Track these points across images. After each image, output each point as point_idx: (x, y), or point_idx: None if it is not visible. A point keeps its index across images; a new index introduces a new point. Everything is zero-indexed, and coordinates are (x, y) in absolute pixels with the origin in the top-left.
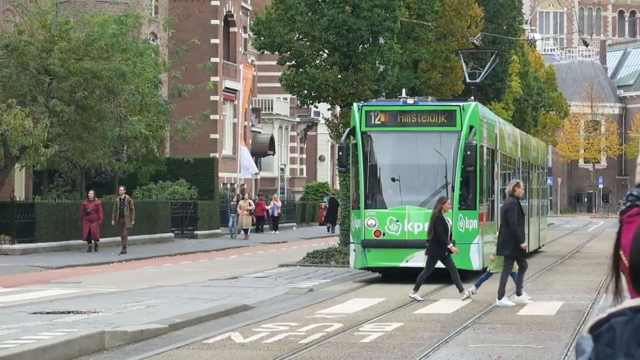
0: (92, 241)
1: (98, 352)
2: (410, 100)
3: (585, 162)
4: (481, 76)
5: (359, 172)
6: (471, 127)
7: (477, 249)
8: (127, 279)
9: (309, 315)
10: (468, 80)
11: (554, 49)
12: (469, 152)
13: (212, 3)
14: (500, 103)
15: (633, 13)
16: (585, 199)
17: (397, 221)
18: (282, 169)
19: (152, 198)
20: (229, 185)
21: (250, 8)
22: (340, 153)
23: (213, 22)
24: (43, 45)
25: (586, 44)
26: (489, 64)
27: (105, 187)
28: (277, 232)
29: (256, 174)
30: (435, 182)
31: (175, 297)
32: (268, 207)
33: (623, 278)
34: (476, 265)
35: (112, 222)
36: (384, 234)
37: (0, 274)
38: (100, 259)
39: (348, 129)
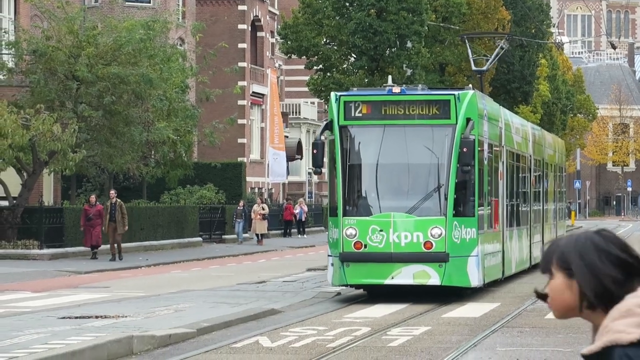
0: (96, 248)
1: (126, 356)
2: (396, 89)
3: (613, 165)
4: (488, 63)
5: (336, 173)
6: (468, 120)
7: (476, 262)
8: (155, 284)
9: (336, 319)
10: (474, 67)
11: (581, 52)
12: (465, 149)
13: (240, 8)
14: (528, 106)
15: None
16: (614, 202)
17: (380, 231)
18: (309, 173)
19: (180, 203)
20: (256, 190)
21: (277, 12)
22: (315, 151)
23: (240, 26)
24: (71, 50)
25: (614, 47)
26: (497, 50)
27: (133, 192)
28: (305, 236)
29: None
30: (426, 184)
31: (203, 302)
32: (296, 212)
33: None
34: (475, 281)
35: (103, 227)
36: (365, 246)
37: (29, 279)
38: (128, 264)
39: (324, 123)
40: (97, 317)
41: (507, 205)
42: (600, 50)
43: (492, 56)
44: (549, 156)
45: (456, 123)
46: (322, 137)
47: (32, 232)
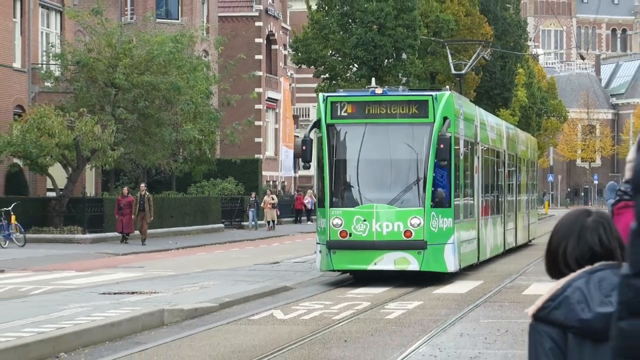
0: (127, 234)
1: (158, 327)
2: (378, 90)
3: (582, 161)
4: (467, 67)
5: (324, 167)
6: (445, 119)
7: (453, 249)
8: (183, 264)
9: (340, 295)
10: (453, 71)
11: (554, 63)
12: (442, 146)
13: (256, 24)
14: (508, 110)
15: (624, 30)
16: (582, 194)
17: (364, 220)
18: None
19: (205, 194)
20: (271, 182)
21: (289, 28)
22: (304, 147)
23: (257, 40)
24: (109, 61)
25: (583, 58)
26: (474, 56)
27: (164, 185)
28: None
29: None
30: (406, 178)
31: (224, 280)
32: (305, 202)
33: None
34: (451, 267)
35: (132, 216)
36: (350, 235)
37: (73, 260)
38: (160, 247)
39: (312, 121)
40: (132, 293)
41: (482, 196)
42: (571, 61)
43: (470, 61)
44: (522, 152)
45: (434, 121)
46: (311, 135)
47: (76, 220)
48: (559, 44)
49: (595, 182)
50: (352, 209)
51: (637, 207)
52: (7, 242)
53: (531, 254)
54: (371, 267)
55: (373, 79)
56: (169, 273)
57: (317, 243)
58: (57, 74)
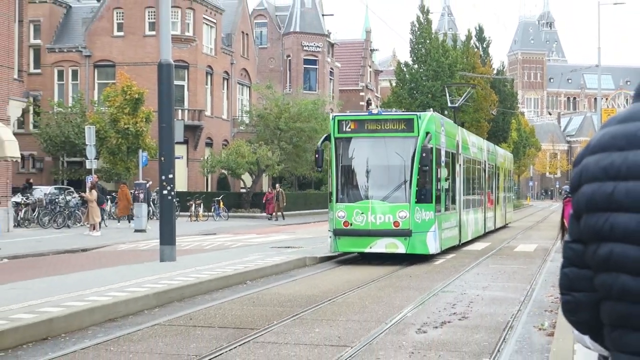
0: (272, 215)
1: (302, 267)
2: (375, 111)
3: (549, 174)
4: (459, 102)
5: (331, 172)
6: (427, 133)
7: (434, 236)
8: (316, 231)
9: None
10: (449, 104)
11: (533, 117)
12: (424, 154)
13: (360, 94)
14: (506, 143)
15: (574, 98)
16: (549, 193)
17: (362, 213)
18: None
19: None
20: None
21: (379, 96)
22: (317, 156)
23: (361, 103)
24: (276, 115)
25: (550, 114)
26: (465, 94)
27: (307, 185)
28: None
29: None
30: (395, 180)
31: None
32: None
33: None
34: (432, 249)
35: (273, 204)
36: (351, 224)
37: (255, 228)
38: (302, 221)
39: (324, 136)
40: (287, 247)
41: (464, 193)
42: (543, 116)
43: (462, 97)
44: (500, 163)
45: (418, 135)
46: (322, 147)
47: (256, 205)
48: (536, 106)
49: (557, 186)
50: (352, 204)
51: (573, 200)
52: (218, 217)
53: (509, 231)
54: (367, 250)
55: (372, 103)
56: (308, 236)
57: (328, 230)
58: (246, 121)
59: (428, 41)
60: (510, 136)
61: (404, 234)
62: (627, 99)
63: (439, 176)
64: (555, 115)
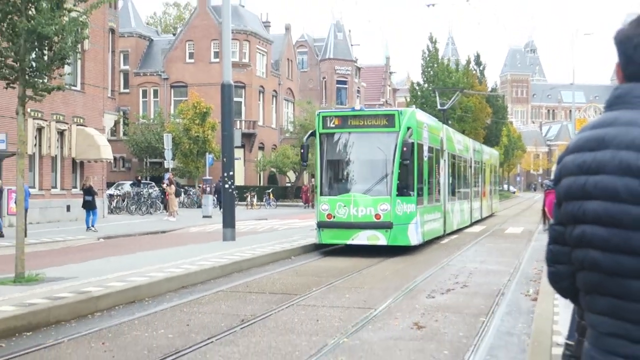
0: (307, 204)
1: (335, 245)
2: (357, 107)
3: (533, 171)
4: (448, 105)
5: (316, 166)
6: (408, 128)
7: (415, 227)
8: None
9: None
10: (439, 107)
11: (520, 125)
12: (405, 149)
13: (382, 108)
14: (498, 146)
15: (553, 110)
16: (533, 186)
17: (344, 206)
18: None
19: None
20: None
21: None
22: (302, 151)
23: None
24: (312, 123)
25: (534, 122)
26: (453, 97)
27: None
28: None
29: None
30: (377, 173)
31: None
32: None
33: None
34: (414, 241)
35: (308, 195)
36: (334, 217)
37: (297, 214)
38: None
39: (310, 132)
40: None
41: (449, 186)
42: (528, 125)
43: (451, 101)
44: (486, 160)
45: (399, 130)
46: (307, 142)
47: (299, 196)
48: (522, 117)
49: (539, 180)
50: (336, 197)
51: (556, 191)
52: (268, 206)
53: (496, 219)
54: (349, 242)
55: (357, 100)
56: None
57: (315, 222)
58: (290, 130)
59: (436, 65)
60: (502, 141)
61: (385, 226)
62: (595, 111)
63: (421, 170)
64: (537, 124)
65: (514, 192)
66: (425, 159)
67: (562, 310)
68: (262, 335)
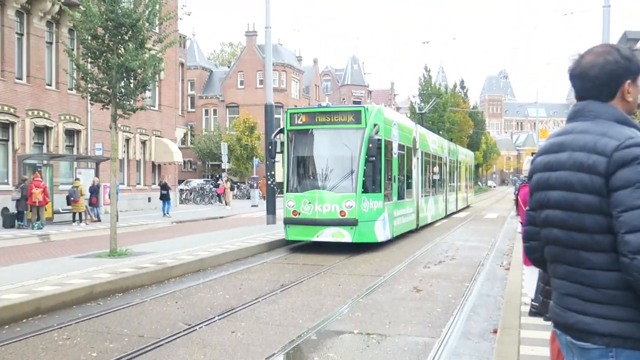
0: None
1: None
2: (324, 104)
3: (505, 170)
4: (425, 109)
5: (284, 162)
6: (375, 125)
7: (382, 224)
8: None
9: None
10: (418, 111)
11: (496, 135)
12: (371, 145)
13: None
14: (478, 151)
15: (521, 123)
16: (506, 182)
17: (309, 203)
18: None
19: None
20: None
21: None
22: (270, 147)
23: None
24: None
25: (506, 133)
26: (431, 102)
27: None
28: None
29: None
30: (343, 170)
31: None
32: None
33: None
34: (381, 237)
35: None
36: (299, 214)
37: None
38: None
39: (278, 129)
40: None
41: (422, 182)
42: (502, 134)
43: (428, 105)
44: (462, 158)
45: (365, 127)
46: (276, 138)
47: None
48: (497, 128)
49: (510, 177)
50: (301, 193)
51: (530, 185)
52: None
53: (470, 210)
54: (315, 238)
55: (327, 97)
56: None
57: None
58: None
59: (429, 88)
60: (481, 147)
61: (350, 223)
62: (554, 123)
63: (390, 167)
64: (509, 134)
65: (493, 187)
66: (395, 156)
67: (528, 278)
68: (297, 296)
